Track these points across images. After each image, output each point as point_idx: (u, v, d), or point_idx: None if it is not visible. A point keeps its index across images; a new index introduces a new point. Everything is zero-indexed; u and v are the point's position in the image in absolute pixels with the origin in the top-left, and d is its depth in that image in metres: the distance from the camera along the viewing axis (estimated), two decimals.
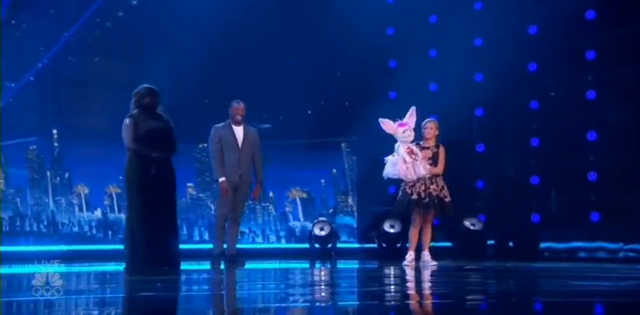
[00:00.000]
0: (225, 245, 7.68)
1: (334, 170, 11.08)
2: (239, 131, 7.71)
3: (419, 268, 7.21)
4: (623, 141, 8.14)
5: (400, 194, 7.65)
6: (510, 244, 9.10)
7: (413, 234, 7.70)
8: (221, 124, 7.77)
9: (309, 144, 10.51)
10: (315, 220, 10.23)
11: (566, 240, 8.44)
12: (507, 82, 9.07)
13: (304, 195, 10.98)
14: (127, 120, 6.40)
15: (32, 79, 9.89)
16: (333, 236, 10.02)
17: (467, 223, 9.07)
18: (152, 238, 6.19)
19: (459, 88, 9.35)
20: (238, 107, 7.69)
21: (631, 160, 8.04)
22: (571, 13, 8.60)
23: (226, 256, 7.60)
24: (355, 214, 10.70)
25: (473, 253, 8.85)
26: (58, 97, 10.07)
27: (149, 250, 6.21)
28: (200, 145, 10.11)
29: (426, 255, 7.70)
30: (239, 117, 7.69)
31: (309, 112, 10.62)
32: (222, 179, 7.51)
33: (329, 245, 10.00)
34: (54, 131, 10.08)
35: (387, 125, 7.43)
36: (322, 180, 11.07)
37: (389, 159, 7.48)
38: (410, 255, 7.64)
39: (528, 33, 9.01)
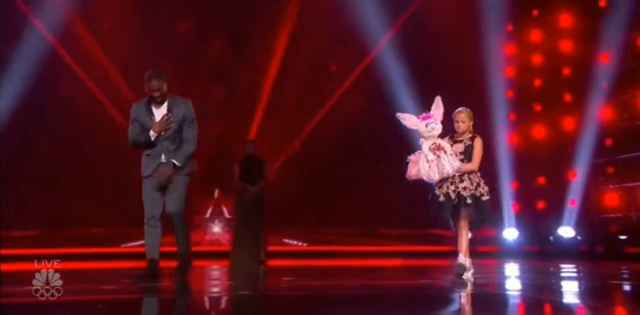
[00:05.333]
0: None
1: None
2: (158, 111, 6.36)
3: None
4: None
5: (430, 195, 6.68)
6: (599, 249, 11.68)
7: (461, 239, 6.62)
8: (138, 102, 6.46)
9: None
10: None
11: None
12: None
13: None
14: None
15: None
16: None
17: (560, 232, 11.82)
18: None
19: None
20: (151, 83, 6.23)
21: None
22: None
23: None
24: None
25: (567, 257, 11.20)
26: None
27: None
28: None
29: (464, 259, 6.58)
30: (156, 93, 6.26)
31: None
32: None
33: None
34: None
35: (409, 120, 6.54)
36: None
37: (411, 158, 6.59)
38: (463, 258, 6.57)
39: None
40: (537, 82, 12.48)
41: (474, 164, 6.62)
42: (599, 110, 11.66)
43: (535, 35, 12.50)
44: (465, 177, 6.59)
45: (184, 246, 6.59)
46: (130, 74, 12.15)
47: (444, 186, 6.60)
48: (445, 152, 6.48)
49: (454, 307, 5.08)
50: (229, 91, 14.10)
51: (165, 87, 6.32)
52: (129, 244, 12.67)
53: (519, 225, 12.23)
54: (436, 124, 6.48)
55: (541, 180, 12.40)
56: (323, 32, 13.30)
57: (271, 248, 9.86)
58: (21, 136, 12.33)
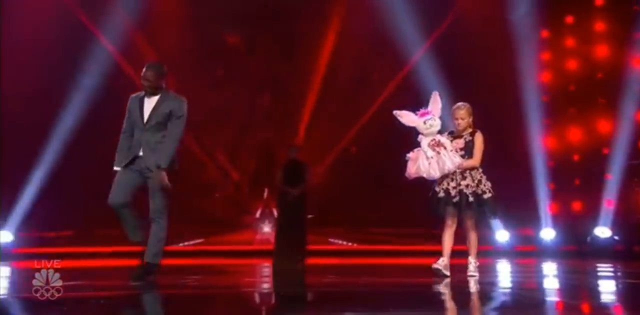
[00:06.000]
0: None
1: None
2: (149, 103, 6.16)
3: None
4: None
5: (430, 193, 6.57)
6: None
7: (444, 237, 6.55)
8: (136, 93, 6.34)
9: None
10: None
11: None
12: None
13: None
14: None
15: None
16: None
17: (597, 232, 12.15)
18: None
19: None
20: (145, 73, 6.12)
21: None
22: None
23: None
24: None
25: (604, 257, 11.38)
26: None
27: None
28: None
29: (471, 263, 6.60)
30: (145, 83, 6.10)
31: None
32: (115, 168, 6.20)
33: None
34: None
35: (407, 117, 6.38)
36: None
37: (410, 155, 6.46)
38: (442, 261, 6.55)
39: None
40: (572, 87, 12.81)
41: (476, 160, 6.48)
42: (634, 113, 11.98)
43: (570, 41, 12.85)
44: (467, 174, 6.45)
45: (150, 254, 6.21)
46: (184, 83, 12.87)
47: (444, 182, 6.47)
48: (445, 148, 6.34)
49: (489, 305, 5.00)
50: (277, 98, 14.78)
51: (159, 82, 6.17)
52: (185, 243, 13.39)
53: (555, 226, 12.59)
54: (434, 120, 6.35)
55: (577, 181, 12.75)
56: (365, 42, 13.85)
57: (316, 247, 10.44)
58: (85, 142, 13.03)
